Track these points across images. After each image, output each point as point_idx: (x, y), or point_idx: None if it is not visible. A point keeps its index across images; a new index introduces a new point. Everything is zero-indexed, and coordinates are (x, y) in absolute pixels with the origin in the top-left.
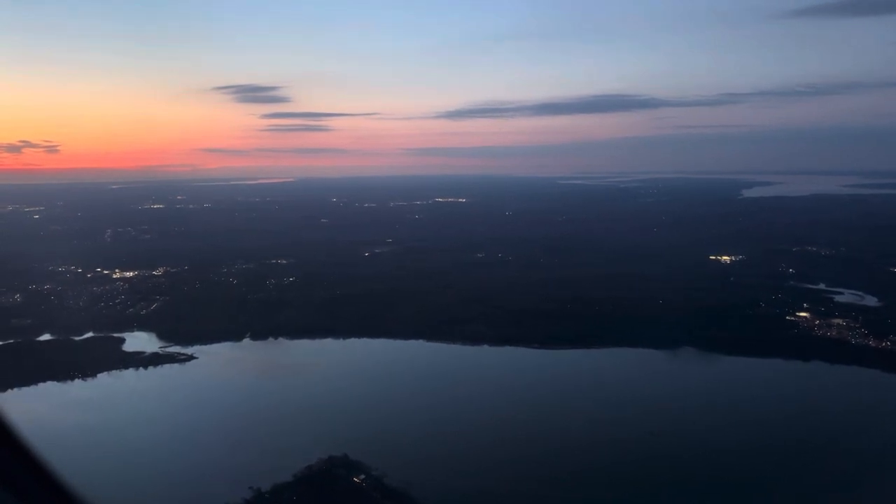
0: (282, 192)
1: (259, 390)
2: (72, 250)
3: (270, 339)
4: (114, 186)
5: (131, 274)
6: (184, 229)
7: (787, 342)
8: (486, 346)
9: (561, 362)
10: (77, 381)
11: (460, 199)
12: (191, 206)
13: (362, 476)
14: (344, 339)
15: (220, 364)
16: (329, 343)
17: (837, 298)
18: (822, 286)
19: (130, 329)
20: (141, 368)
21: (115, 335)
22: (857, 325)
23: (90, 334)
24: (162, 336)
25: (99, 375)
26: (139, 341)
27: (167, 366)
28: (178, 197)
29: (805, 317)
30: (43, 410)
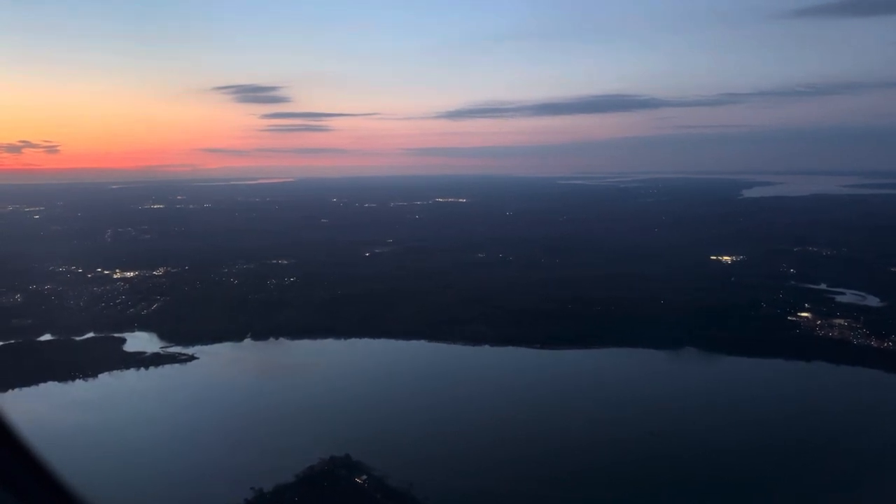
0: (282, 192)
1: (260, 390)
2: (72, 250)
3: (271, 339)
4: (114, 186)
5: (132, 274)
6: (184, 229)
7: (789, 342)
8: (486, 346)
9: (561, 362)
10: (78, 382)
11: (460, 200)
12: (191, 206)
13: (364, 476)
14: (344, 339)
15: (221, 364)
16: (329, 343)
17: (839, 298)
18: (823, 286)
19: (131, 329)
20: (142, 368)
21: (116, 335)
22: (859, 326)
23: (91, 334)
24: (163, 336)
25: (100, 376)
26: (140, 341)
27: (168, 366)
28: (179, 197)
29: (806, 317)
30: (43, 410)
